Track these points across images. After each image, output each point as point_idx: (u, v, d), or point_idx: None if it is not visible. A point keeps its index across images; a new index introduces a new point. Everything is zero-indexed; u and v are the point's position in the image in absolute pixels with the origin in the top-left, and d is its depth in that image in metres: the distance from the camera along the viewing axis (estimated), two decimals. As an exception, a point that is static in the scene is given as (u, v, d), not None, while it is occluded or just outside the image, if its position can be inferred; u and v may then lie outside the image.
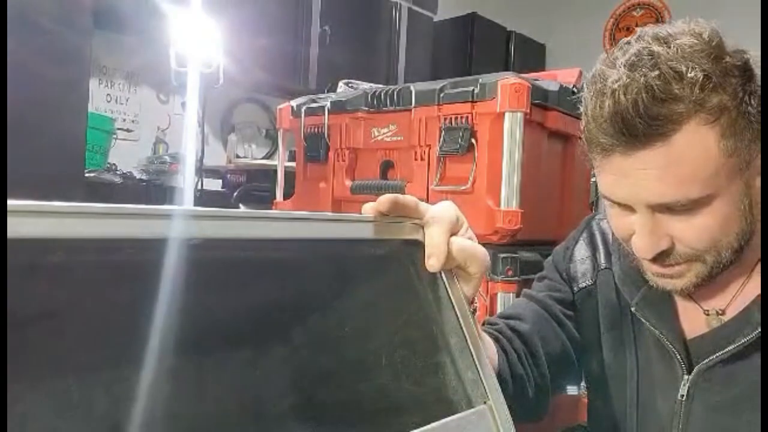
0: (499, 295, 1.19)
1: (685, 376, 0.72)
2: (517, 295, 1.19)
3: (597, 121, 0.63)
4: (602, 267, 0.84)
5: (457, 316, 0.60)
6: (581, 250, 0.87)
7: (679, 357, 0.72)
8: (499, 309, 1.19)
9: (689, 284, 0.69)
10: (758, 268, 0.71)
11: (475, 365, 0.59)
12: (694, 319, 0.75)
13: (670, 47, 0.61)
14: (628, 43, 0.65)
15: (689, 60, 0.60)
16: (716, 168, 0.61)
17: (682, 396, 0.72)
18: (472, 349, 0.59)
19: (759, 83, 0.63)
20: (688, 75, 0.59)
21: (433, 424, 0.53)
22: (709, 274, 0.68)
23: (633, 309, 0.77)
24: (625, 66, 0.61)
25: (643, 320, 0.76)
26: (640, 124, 0.59)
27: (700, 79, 0.59)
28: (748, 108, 0.61)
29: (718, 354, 0.69)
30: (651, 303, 0.75)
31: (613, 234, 0.83)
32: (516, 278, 1.20)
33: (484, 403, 0.58)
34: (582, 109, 0.67)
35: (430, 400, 0.61)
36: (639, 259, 0.72)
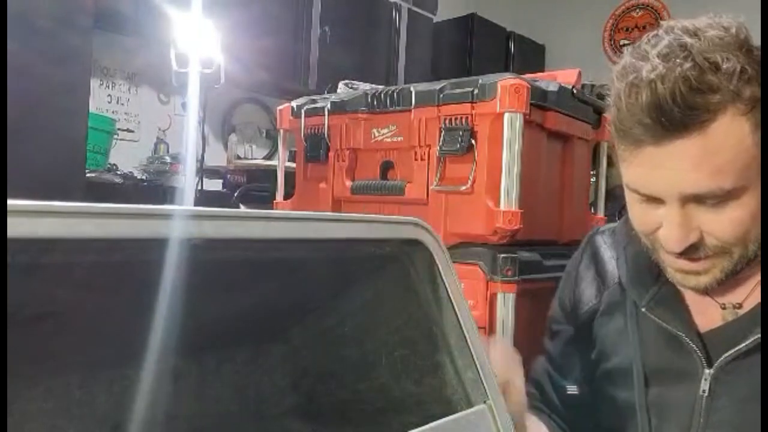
0: (498, 295, 1.19)
1: (706, 371, 0.71)
2: (517, 295, 1.19)
3: (632, 111, 0.63)
4: (610, 283, 0.84)
5: (457, 315, 0.60)
6: (585, 271, 0.87)
7: (697, 352, 0.72)
8: (498, 309, 1.19)
9: (713, 281, 0.68)
10: None
11: (475, 365, 0.59)
12: (708, 313, 0.74)
13: (700, 39, 0.61)
14: (657, 35, 0.65)
15: (722, 51, 0.60)
16: (750, 159, 0.62)
17: (704, 391, 0.71)
18: (471, 349, 0.59)
19: None
20: (724, 66, 0.60)
21: (433, 424, 0.53)
22: (734, 270, 0.67)
23: (644, 310, 0.76)
24: (658, 57, 0.62)
25: (656, 319, 0.75)
26: (678, 114, 0.60)
27: (737, 70, 0.60)
28: None
29: (740, 346, 0.69)
30: (662, 301, 0.75)
31: (620, 235, 0.83)
32: (515, 278, 1.20)
33: (484, 402, 0.58)
34: (612, 101, 0.67)
35: (429, 400, 0.61)
36: (661, 256, 0.71)
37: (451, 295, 0.60)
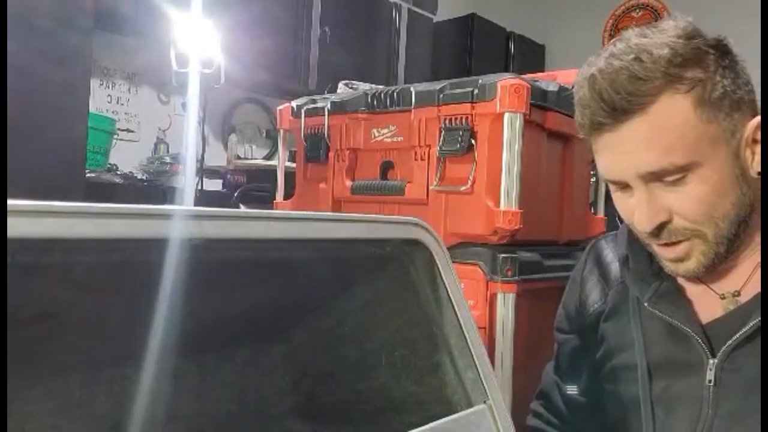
0: (498, 295, 1.19)
1: (710, 361, 0.72)
2: (517, 295, 1.19)
3: (582, 103, 0.70)
4: (614, 284, 0.85)
5: (457, 316, 0.60)
6: (589, 275, 0.89)
7: (700, 343, 0.73)
8: (498, 309, 1.19)
9: (699, 265, 0.71)
10: None
11: (475, 364, 0.59)
12: (709, 305, 0.75)
13: (647, 37, 0.67)
14: (613, 44, 0.70)
15: (661, 42, 0.66)
16: (697, 135, 0.66)
17: (710, 381, 0.72)
18: (471, 349, 0.59)
19: (735, 60, 0.68)
20: (656, 53, 0.66)
21: (433, 424, 0.53)
22: (716, 252, 0.70)
23: (646, 304, 0.78)
24: (605, 57, 0.69)
25: (658, 313, 0.76)
26: (619, 100, 0.66)
27: (668, 55, 0.65)
28: (722, 80, 0.67)
29: (740, 333, 0.70)
30: (663, 295, 0.77)
31: (621, 236, 0.84)
32: (516, 278, 1.19)
33: (484, 402, 0.58)
34: (574, 102, 0.73)
35: (429, 400, 0.61)
36: (652, 247, 0.74)
37: (451, 295, 0.60)
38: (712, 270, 0.72)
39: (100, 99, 2.74)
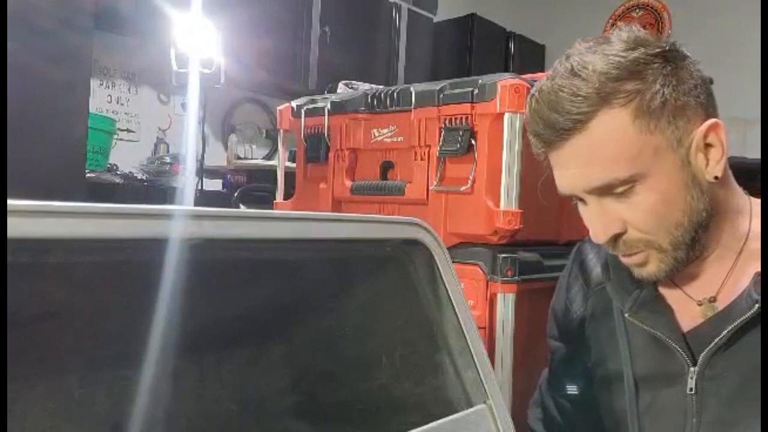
0: (498, 295, 1.19)
1: (691, 369, 0.72)
2: (517, 295, 1.19)
3: (528, 123, 0.72)
4: (595, 288, 0.85)
5: (457, 316, 0.60)
6: (574, 281, 0.89)
7: (680, 351, 0.72)
8: (498, 309, 1.19)
9: (659, 270, 0.71)
10: (744, 255, 0.72)
11: (475, 365, 0.59)
12: (689, 312, 0.75)
13: (590, 52, 0.68)
14: (560, 61, 0.72)
15: (598, 59, 0.66)
16: (639, 147, 0.66)
17: (691, 390, 0.72)
18: (471, 349, 0.59)
19: (680, 65, 0.68)
20: (593, 69, 0.66)
21: (433, 424, 0.53)
22: (675, 258, 0.70)
23: (627, 314, 0.77)
24: (549, 75, 0.70)
25: (638, 323, 0.76)
26: (557, 119, 0.67)
27: (605, 70, 0.65)
28: (663, 89, 0.66)
29: (717, 340, 0.69)
30: (643, 305, 0.76)
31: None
32: (516, 278, 1.19)
33: (484, 402, 0.58)
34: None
35: (429, 400, 0.62)
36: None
37: (451, 295, 0.60)
38: (677, 273, 0.73)
39: (100, 99, 2.74)
